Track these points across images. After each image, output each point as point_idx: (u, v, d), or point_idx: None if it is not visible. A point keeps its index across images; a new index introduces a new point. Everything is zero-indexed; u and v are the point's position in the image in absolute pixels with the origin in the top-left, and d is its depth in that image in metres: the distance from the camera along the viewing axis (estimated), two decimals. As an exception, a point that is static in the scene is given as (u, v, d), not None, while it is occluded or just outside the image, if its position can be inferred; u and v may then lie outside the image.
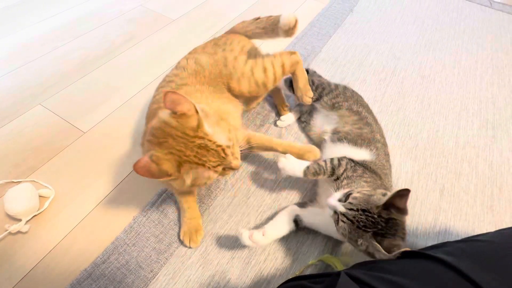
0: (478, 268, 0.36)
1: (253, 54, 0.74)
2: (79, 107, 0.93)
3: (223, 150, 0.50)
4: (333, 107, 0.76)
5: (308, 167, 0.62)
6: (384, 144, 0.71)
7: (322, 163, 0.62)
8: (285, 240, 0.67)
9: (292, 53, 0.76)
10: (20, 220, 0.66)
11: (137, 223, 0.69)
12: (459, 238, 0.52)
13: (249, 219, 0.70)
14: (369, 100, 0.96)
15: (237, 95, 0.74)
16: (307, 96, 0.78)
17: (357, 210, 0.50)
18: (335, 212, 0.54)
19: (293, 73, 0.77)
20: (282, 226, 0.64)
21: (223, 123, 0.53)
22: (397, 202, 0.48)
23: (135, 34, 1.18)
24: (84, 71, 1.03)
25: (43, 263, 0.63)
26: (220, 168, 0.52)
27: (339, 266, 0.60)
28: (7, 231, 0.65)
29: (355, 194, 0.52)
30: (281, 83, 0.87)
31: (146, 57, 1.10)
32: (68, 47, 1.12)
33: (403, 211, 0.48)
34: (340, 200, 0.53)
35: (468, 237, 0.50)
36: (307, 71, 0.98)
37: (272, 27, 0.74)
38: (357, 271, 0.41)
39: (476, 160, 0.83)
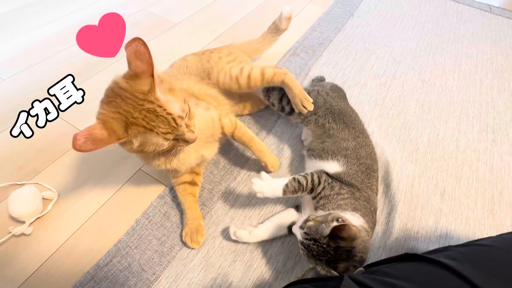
0: (480, 273, 0.36)
1: (238, 59, 0.80)
2: (83, 109, 0.93)
3: (174, 119, 0.49)
4: (303, 121, 0.75)
5: (287, 185, 0.60)
6: (356, 147, 0.67)
7: (302, 180, 0.60)
8: (286, 243, 0.67)
9: (279, 67, 0.79)
10: (23, 222, 0.67)
11: (139, 225, 0.69)
12: (460, 242, 0.53)
13: (251, 222, 0.70)
14: (370, 104, 0.97)
15: (219, 90, 0.79)
16: (306, 99, 0.73)
17: (310, 239, 0.50)
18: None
19: (283, 84, 0.75)
20: (272, 230, 0.65)
21: (179, 93, 0.52)
22: (339, 233, 0.48)
23: (138, 38, 1.19)
24: (88, 74, 1.04)
25: (46, 265, 0.63)
26: (170, 137, 0.50)
27: (341, 270, 0.60)
28: (11, 233, 0.65)
29: (309, 223, 0.52)
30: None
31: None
32: (71, 50, 1.13)
33: (348, 239, 0.48)
34: (301, 227, 0.54)
35: (470, 241, 0.50)
36: (321, 79, 0.96)
37: (274, 26, 0.93)
38: (360, 275, 0.41)
39: (477, 164, 0.84)
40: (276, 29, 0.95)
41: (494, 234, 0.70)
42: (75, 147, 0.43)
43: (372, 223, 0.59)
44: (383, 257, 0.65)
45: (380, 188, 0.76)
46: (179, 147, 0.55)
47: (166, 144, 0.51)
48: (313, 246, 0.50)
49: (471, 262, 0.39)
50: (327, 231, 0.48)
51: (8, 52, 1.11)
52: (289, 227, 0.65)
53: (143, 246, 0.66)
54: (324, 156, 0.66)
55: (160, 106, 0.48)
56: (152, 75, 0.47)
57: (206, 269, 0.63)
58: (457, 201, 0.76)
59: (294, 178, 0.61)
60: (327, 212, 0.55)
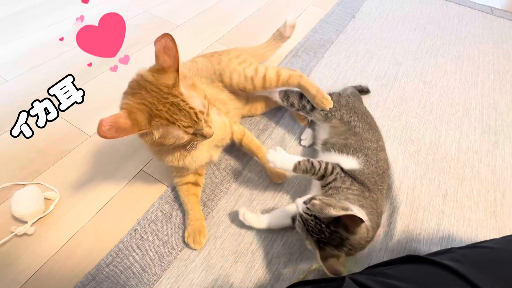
0: (483, 275, 0.36)
1: (248, 61, 0.81)
2: (85, 110, 0.93)
3: (196, 113, 0.51)
4: (326, 118, 0.75)
5: (299, 162, 0.62)
6: (377, 150, 0.68)
7: (316, 164, 0.62)
8: (288, 244, 0.67)
9: (293, 69, 0.80)
10: (26, 222, 0.67)
11: (141, 226, 0.69)
12: (463, 244, 0.52)
13: (252, 223, 0.70)
14: (371, 105, 0.97)
15: (230, 90, 0.79)
16: (325, 98, 0.75)
17: (311, 215, 0.52)
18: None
19: (300, 86, 0.77)
20: (276, 219, 0.67)
21: (200, 89, 0.54)
22: (348, 222, 0.49)
23: (140, 39, 1.20)
24: (90, 75, 1.05)
25: (47, 265, 0.63)
26: (191, 130, 0.52)
27: (343, 273, 0.60)
28: (13, 233, 0.65)
29: (315, 201, 0.54)
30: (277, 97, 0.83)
31: (150, 62, 1.11)
32: (73, 52, 1.13)
33: (349, 231, 0.50)
34: (305, 202, 0.56)
35: (473, 243, 0.50)
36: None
37: (279, 33, 0.97)
38: (362, 277, 0.41)
39: (479, 166, 0.84)
40: (280, 36, 0.99)
41: (496, 236, 0.70)
42: (100, 132, 0.45)
43: (376, 224, 0.59)
44: (384, 259, 0.65)
45: (382, 189, 0.77)
46: (195, 142, 0.57)
47: (185, 138, 0.53)
48: (311, 222, 0.52)
49: (474, 264, 0.39)
50: (333, 214, 0.50)
51: (11, 53, 1.12)
52: (293, 218, 0.67)
53: (144, 246, 0.66)
54: (345, 151, 0.67)
55: (183, 100, 0.49)
56: (177, 70, 0.49)
57: (207, 270, 0.63)
58: (459, 202, 0.76)
59: (308, 160, 0.63)
60: (336, 199, 0.56)
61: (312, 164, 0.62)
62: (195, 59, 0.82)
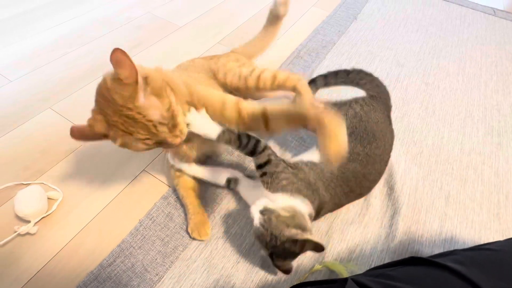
0: (487, 278, 0.36)
1: (247, 64, 0.81)
2: (88, 111, 0.94)
3: (155, 126, 0.48)
4: None
5: (224, 132, 0.57)
6: (348, 159, 0.63)
7: (244, 139, 0.57)
8: (290, 245, 0.67)
9: (293, 73, 0.77)
10: (29, 221, 0.67)
11: (143, 226, 0.69)
12: (466, 246, 0.52)
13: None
14: (374, 106, 0.97)
15: (226, 90, 0.78)
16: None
17: (267, 230, 0.53)
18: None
19: (295, 89, 0.74)
20: (212, 176, 0.71)
21: (165, 100, 0.50)
22: (301, 245, 0.53)
23: (142, 40, 1.21)
24: (93, 76, 1.05)
25: (50, 264, 0.64)
26: (150, 142, 0.50)
27: (344, 274, 0.59)
28: (16, 233, 0.66)
29: (271, 216, 0.54)
30: None
31: (153, 63, 1.11)
32: (77, 53, 1.14)
33: (303, 251, 0.54)
34: (261, 213, 0.56)
35: (477, 246, 0.49)
36: (315, 80, 0.95)
37: (272, 15, 0.86)
38: (364, 278, 0.41)
39: (482, 167, 0.83)
40: (275, 17, 0.88)
41: (500, 238, 0.69)
42: (72, 137, 0.51)
43: (314, 199, 0.59)
44: (386, 260, 0.65)
45: (384, 190, 0.76)
46: (166, 147, 0.57)
47: (145, 148, 0.52)
48: (266, 238, 0.54)
49: (478, 266, 0.39)
50: (292, 235, 0.52)
51: (14, 54, 1.12)
52: (228, 180, 0.72)
53: (146, 246, 0.66)
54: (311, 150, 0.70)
55: (139, 113, 0.47)
56: (136, 82, 0.46)
57: (209, 270, 0.63)
58: (462, 204, 0.75)
59: (233, 132, 0.59)
60: (291, 214, 0.56)
61: (239, 137, 0.58)
62: (194, 60, 0.83)
